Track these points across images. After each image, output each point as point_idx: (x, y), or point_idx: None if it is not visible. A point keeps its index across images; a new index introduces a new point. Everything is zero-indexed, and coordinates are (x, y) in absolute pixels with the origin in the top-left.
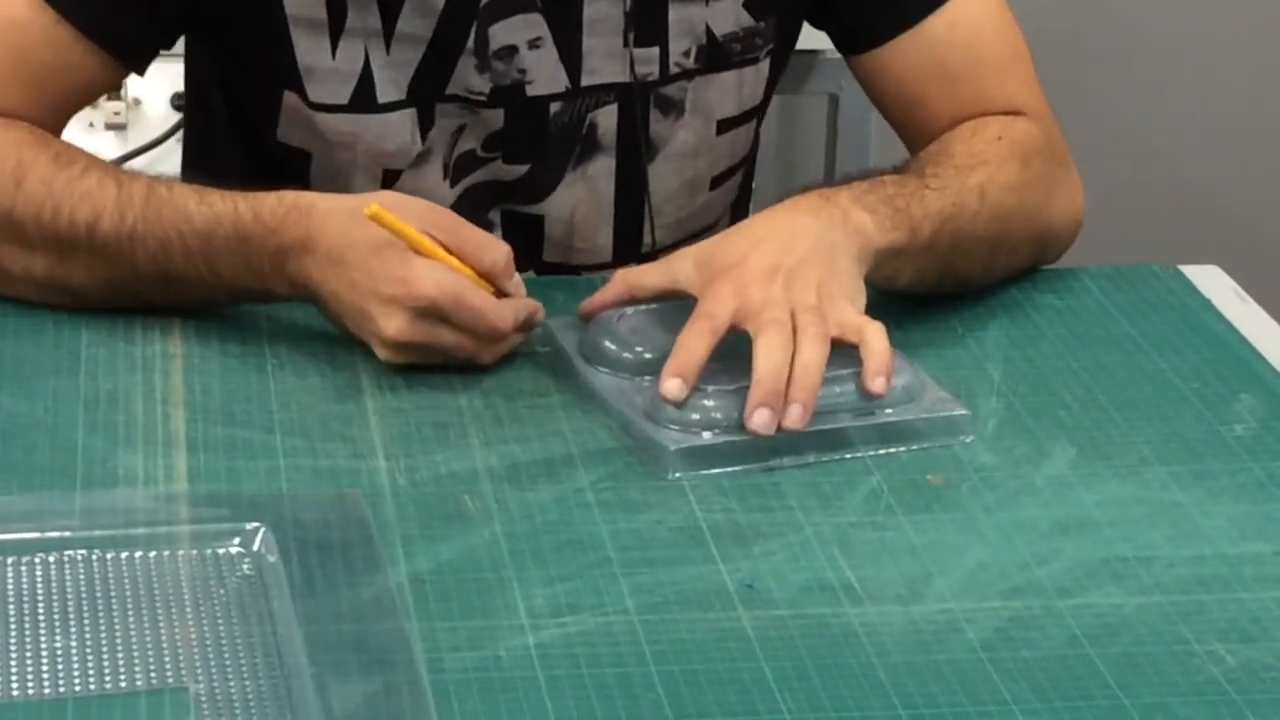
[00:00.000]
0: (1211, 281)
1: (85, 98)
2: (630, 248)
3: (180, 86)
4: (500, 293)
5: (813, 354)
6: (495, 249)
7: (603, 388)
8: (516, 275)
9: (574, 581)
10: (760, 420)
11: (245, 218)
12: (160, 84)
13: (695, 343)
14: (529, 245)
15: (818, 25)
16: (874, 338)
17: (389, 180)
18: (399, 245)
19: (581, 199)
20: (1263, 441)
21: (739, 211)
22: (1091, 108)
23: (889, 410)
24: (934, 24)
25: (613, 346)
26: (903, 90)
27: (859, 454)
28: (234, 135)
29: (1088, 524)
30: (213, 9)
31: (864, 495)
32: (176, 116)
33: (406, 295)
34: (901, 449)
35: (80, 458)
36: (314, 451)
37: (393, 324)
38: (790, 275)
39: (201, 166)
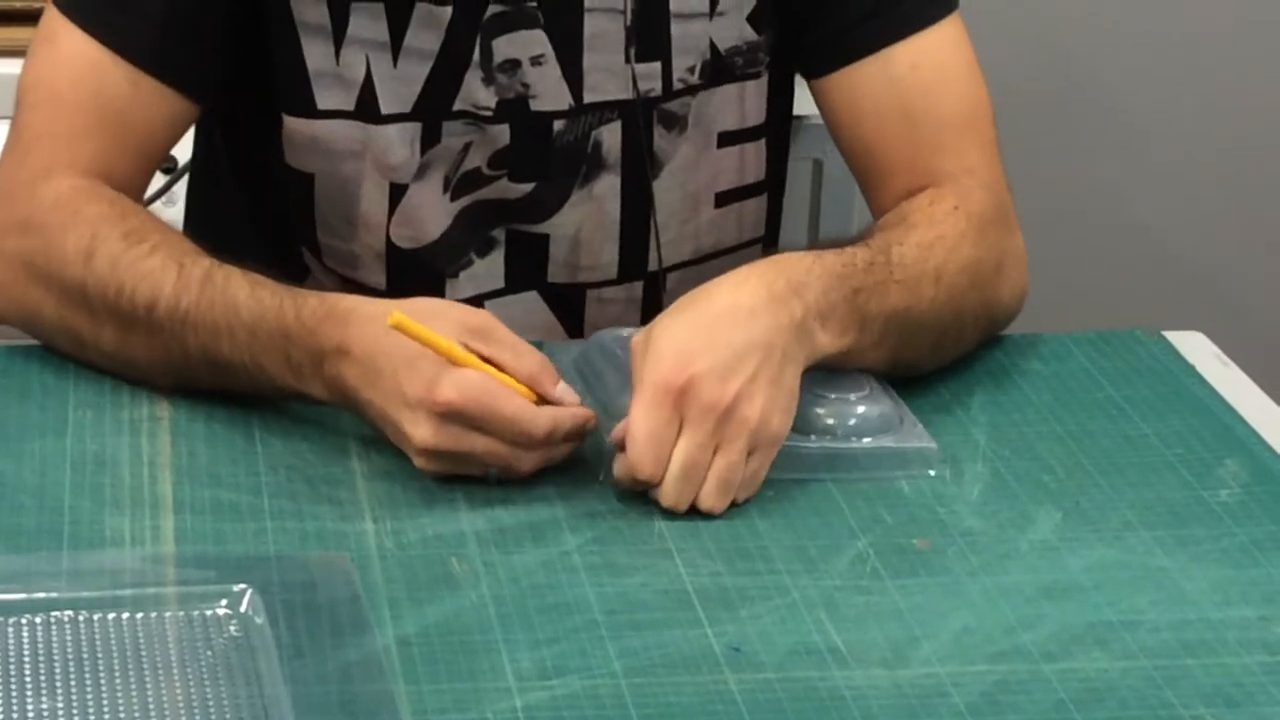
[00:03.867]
0: (1195, 347)
1: (164, 138)
2: (636, 265)
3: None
4: (544, 400)
5: (713, 506)
6: (533, 354)
7: None
8: (564, 384)
9: (561, 644)
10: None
11: (288, 316)
12: None
13: (662, 444)
14: (533, 265)
15: (795, 44)
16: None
17: (396, 194)
18: (431, 354)
19: (587, 217)
20: (1246, 506)
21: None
22: (1075, 174)
23: (866, 439)
24: (896, 60)
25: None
26: (860, 126)
27: (822, 477)
28: (238, 177)
29: (1073, 589)
30: (236, 23)
31: (850, 559)
32: (163, 179)
33: (430, 401)
34: (864, 477)
35: (67, 519)
36: (301, 514)
37: (420, 431)
38: (729, 414)
39: (205, 216)
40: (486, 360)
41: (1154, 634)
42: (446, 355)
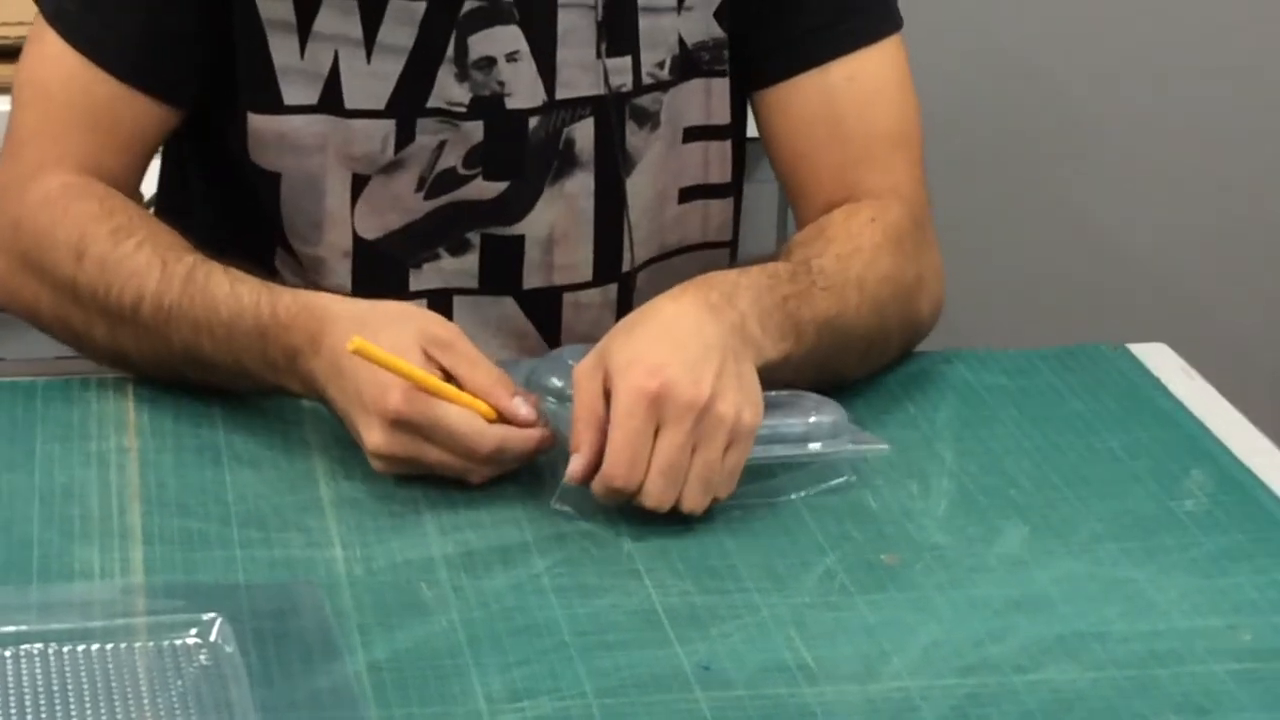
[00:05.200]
0: (1159, 359)
1: (153, 138)
2: (611, 265)
3: None
4: (503, 418)
5: (694, 507)
6: (490, 369)
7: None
8: (520, 399)
9: (531, 666)
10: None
11: (264, 312)
12: None
13: (639, 450)
14: (510, 270)
15: (744, 52)
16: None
17: (358, 185)
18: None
19: (560, 215)
20: (1213, 516)
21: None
22: (1039, 190)
23: (814, 445)
24: (835, 72)
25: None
26: (794, 136)
27: (782, 498)
28: (206, 184)
29: (1041, 601)
30: (207, 27)
31: (819, 576)
32: None
33: (381, 407)
34: (818, 481)
35: (36, 552)
36: (270, 542)
37: (372, 436)
38: (706, 411)
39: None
40: (447, 371)
41: (1123, 644)
42: (405, 378)
